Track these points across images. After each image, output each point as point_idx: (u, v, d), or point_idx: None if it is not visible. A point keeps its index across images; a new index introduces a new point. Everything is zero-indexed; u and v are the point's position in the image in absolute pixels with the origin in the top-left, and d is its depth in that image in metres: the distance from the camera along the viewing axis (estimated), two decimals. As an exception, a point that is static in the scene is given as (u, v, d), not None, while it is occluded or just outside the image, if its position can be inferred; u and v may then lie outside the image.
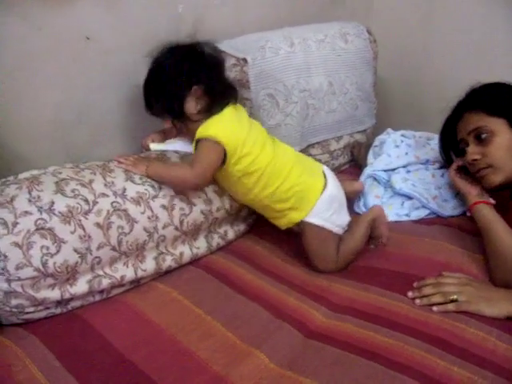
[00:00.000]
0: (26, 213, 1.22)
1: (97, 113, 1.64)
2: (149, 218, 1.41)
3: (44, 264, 1.22)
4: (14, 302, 1.22)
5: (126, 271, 1.39)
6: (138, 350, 1.20)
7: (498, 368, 1.13)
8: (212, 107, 1.47)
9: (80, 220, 1.29)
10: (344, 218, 1.58)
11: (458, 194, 1.78)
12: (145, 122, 1.71)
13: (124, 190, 1.39)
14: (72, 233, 1.27)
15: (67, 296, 1.29)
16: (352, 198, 1.82)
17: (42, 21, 1.43)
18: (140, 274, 1.42)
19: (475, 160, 1.56)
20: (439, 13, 2.44)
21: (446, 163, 1.83)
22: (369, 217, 1.60)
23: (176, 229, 1.48)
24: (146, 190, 1.43)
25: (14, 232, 1.20)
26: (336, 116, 2.10)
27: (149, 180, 1.45)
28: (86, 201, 1.31)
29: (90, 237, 1.30)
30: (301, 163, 1.57)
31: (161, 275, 1.49)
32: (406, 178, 1.87)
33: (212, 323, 1.29)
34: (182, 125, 1.52)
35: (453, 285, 1.35)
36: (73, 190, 1.31)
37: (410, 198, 1.83)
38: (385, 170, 1.94)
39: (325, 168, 1.62)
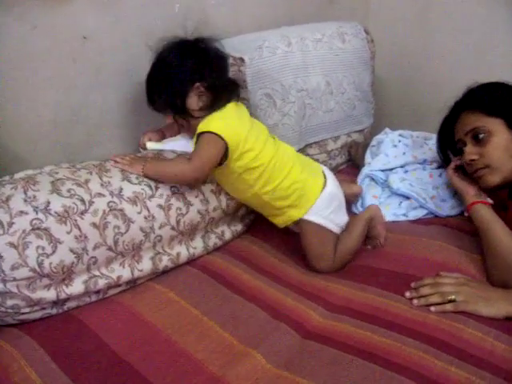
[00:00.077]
0: (22, 213, 1.22)
1: (94, 112, 1.64)
2: (145, 217, 1.40)
3: (40, 264, 1.22)
4: (9, 302, 1.21)
5: (122, 271, 1.39)
6: (134, 351, 1.19)
7: (495, 368, 1.13)
8: (214, 104, 1.47)
9: (76, 220, 1.28)
10: (342, 218, 1.58)
11: (456, 194, 1.77)
12: (143, 122, 1.71)
13: (120, 189, 1.39)
14: (68, 233, 1.26)
15: (63, 296, 1.28)
16: (351, 201, 1.82)
17: (39, 20, 1.42)
18: (136, 274, 1.41)
19: (473, 160, 1.55)
20: (437, 13, 2.44)
21: (443, 163, 1.83)
22: (365, 216, 1.60)
23: (173, 229, 1.47)
24: (143, 189, 1.42)
25: (9, 232, 1.19)
26: (333, 116, 2.09)
27: (145, 180, 1.44)
28: (82, 201, 1.31)
29: (86, 237, 1.29)
30: (301, 162, 1.58)
31: (157, 275, 1.49)
32: (404, 178, 1.87)
33: (209, 324, 1.29)
34: (184, 121, 1.51)
35: (450, 285, 1.35)
36: (69, 190, 1.30)
37: (407, 197, 1.83)
38: (382, 170, 1.94)
39: (324, 168, 1.62)
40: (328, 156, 2.13)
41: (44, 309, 1.28)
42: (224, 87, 1.49)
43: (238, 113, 1.51)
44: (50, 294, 1.26)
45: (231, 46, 1.73)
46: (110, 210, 1.34)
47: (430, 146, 1.99)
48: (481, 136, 1.53)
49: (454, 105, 1.67)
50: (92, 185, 1.35)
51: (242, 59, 1.75)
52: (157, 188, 1.45)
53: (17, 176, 1.33)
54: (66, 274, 1.28)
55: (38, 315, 1.28)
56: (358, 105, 2.19)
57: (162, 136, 1.66)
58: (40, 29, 1.43)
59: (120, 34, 1.62)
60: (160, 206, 1.44)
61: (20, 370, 1.12)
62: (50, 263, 1.23)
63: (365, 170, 1.95)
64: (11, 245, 1.19)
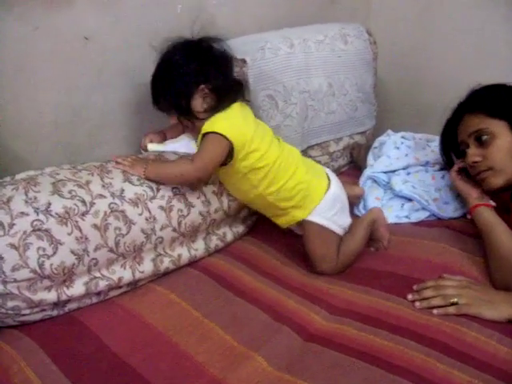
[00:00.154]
0: (23, 214, 1.21)
1: (96, 113, 1.64)
2: (146, 219, 1.40)
3: (40, 265, 1.21)
4: (10, 303, 1.21)
5: (123, 273, 1.38)
6: (135, 353, 1.19)
7: (498, 372, 1.12)
8: (219, 105, 1.46)
9: (77, 221, 1.28)
10: (345, 219, 1.58)
11: (459, 196, 1.77)
12: (145, 123, 1.71)
13: (122, 191, 1.38)
14: (69, 234, 1.26)
15: (64, 298, 1.28)
16: (353, 203, 1.81)
17: (41, 21, 1.42)
18: (137, 275, 1.41)
19: (476, 162, 1.55)
20: (439, 14, 2.44)
21: (446, 165, 1.82)
22: (368, 218, 1.59)
23: (174, 230, 1.47)
24: (144, 191, 1.42)
25: (10, 233, 1.19)
26: (336, 117, 2.09)
27: (147, 181, 1.44)
28: (83, 202, 1.30)
29: (86, 238, 1.29)
30: (305, 163, 1.58)
31: (158, 277, 1.48)
32: (406, 180, 1.87)
33: (210, 326, 1.28)
34: (189, 122, 1.51)
35: (453, 287, 1.34)
36: (70, 191, 1.30)
37: (409, 199, 1.82)
38: (385, 172, 1.93)
39: (328, 170, 1.62)
40: (330, 158, 2.13)
41: (45, 310, 1.28)
42: (229, 88, 1.49)
43: (242, 113, 1.51)
44: (51, 296, 1.26)
45: (233, 47, 1.71)
46: (111, 211, 1.34)
47: (432, 147, 1.99)
48: (484, 138, 1.53)
49: (457, 107, 1.67)
50: (93, 186, 1.35)
51: (243, 60, 1.75)
52: (158, 189, 1.44)
53: (18, 177, 1.33)
54: (67, 276, 1.27)
55: (38, 317, 1.27)
56: (360, 106, 2.18)
57: (163, 137, 1.65)
58: (42, 30, 1.42)
59: (122, 35, 1.62)
60: (161, 208, 1.43)
61: (20, 372, 1.11)
62: (51, 264, 1.23)
63: (367, 172, 1.94)
64: (12, 246, 1.18)
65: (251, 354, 1.19)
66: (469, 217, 1.63)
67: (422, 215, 1.79)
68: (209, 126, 1.43)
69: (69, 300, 1.30)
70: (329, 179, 1.56)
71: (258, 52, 1.79)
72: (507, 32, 2.23)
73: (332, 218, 1.52)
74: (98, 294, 1.36)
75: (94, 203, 1.32)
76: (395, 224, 1.75)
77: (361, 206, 1.84)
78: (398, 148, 2.01)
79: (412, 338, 1.22)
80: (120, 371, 1.14)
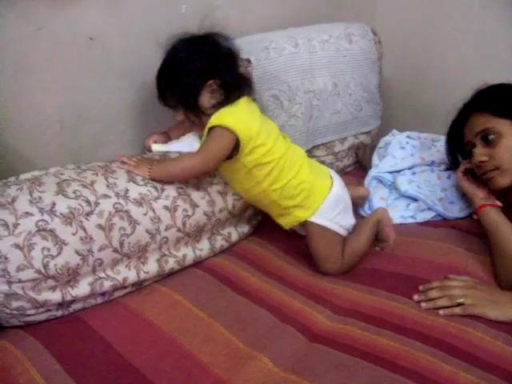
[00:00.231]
0: (27, 214, 1.21)
1: (101, 114, 1.63)
2: (151, 219, 1.40)
3: (45, 266, 1.21)
4: (14, 304, 1.21)
5: (128, 273, 1.38)
6: (139, 354, 1.18)
7: (504, 372, 1.12)
8: (226, 101, 1.46)
9: (81, 221, 1.28)
10: (349, 220, 1.57)
11: (464, 196, 1.76)
12: (150, 123, 1.71)
13: (126, 191, 1.38)
14: (73, 234, 1.26)
15: (68, 298, 1.28)
16: (358, 204, 1.81)
17: (45, 21, 1.42)
18: (142, 276, 1.41)
19: (482, 162, 1.54)
20: (444, 13, 2.43)
21: (452, 165, 1.82)
22: (373, 219, 1.59)
23: (179, 230, 1.47)
24: (149, 191, 1.41)
25: (14, 233, 1.19)
26: (340, 117, 2.08)
27: (151, 181, 1.44)
28: (88, 202, 1.30)
29: (91, 238, 1.29)
30: (309, 163, 1.57)
31: (163, 277, 1.48)
32: (412, 180, 1.86)
33: (215, 326, 1.28)
34: (196, 117, 1.50)
35: (459, 288, 1.34)
36: (74, 191, 1.30)
37: (415, 199, 1.82)
38: (390, 172, 1.93)
39: (331, 171, 1.61)
40: (335, 158, 2.12)
41: (49, 310, 1.28)
42: (236, 83, 1.48)
43: (249, 108, 1.50)
44: (56, 296, 1.26)
45: (237, 47, 1.72)
46: (116, 211, 1.34)
47: (437, 147, 1.98)
48: (490, 137, 1.52)
49: (463, 106, 1.66)
50: (98, 186, 1.35)
51: (248, 60, 1.75)
52: (163, 189, 1.44)
53: (22, 177, 1.33)
54: (72, 276, 1.27)
55: (43, 317, 1.27)
56: (365, 106, 2.18)
57: (167, 138, 1.66)
58: (46, 30, 1.42)
59: (126, 35, 1.61)
60: (166, 208, 1.43)
61: (25, 372, 1.11)
62: (56, 265, 1.23)
63: (372, 172, 1.94)
64: (16, 246, 1.18)
65: (256, 355, 1.19)
66: (475, 217, 1.63)
67: (427, 215, 1.79)
68: (215, 119, 1.42)
69: (73, 300, 1.30)
70: (332, 180, 1.56)
71: (262, 52, 1.79)
72: (510, 33, 2.22)
73: (334, 219, 1.52)
74: (103, 294, 1.36)
75: (99, 203, 1.32)
76: (400, 224, 1.75)
77: (366, 206, 1.84)
78: (403, 148, 2.00)
79: (417, 339, 1.22)
80: (124, 371, 1.14)
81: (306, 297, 1.42)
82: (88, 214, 1.29)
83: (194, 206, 1.50)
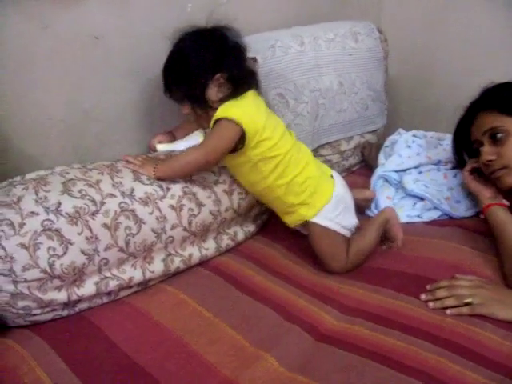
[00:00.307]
0: (33, 213, 1.21)
1: (106, 113, 1.63)
2: (157, 218, 1.39)
3: (51, 265, 1.21)
4: (20, 303, 1.21)
5: (133, 273, 1.38)
6: (145, 353, 1.18)
7: (513, 372, 1.11)
8: (234, 94, 1.45)
9: (87, 221, 1.27)
10: (350, 220, 1.57)
11: (471, 195, 1.75)
12: (156, 122, 1.71)
13: (132, 190, 1.38)
14: (79, 234, 1.26)
15: (74, 298, 1.28)
16: (362, 206, 1.80)
17: (51, 20, 1.42)
18: (148, 275, 1.40)
19: (490, 161, 1.53)
20: (450, 12, 2.42)
21: (458, 164, 1.81)
22: (380, 218, 1.58)
23: (184, 230, 1.46)
24: (154, 190, 1.41)
25: (20, 233, 1.18)
26: (346, 116, 2.08)
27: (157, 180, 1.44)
28: (94, 201, 1.30)
29: (97, 238, 1.29)
30: (315, 161, 1.58)
31: (169, 277, 1.48)
32: (418, 179, 1.85)
33: (221, 326, 1.28)
34: (202, 111, 1.49)
35: (466, 287, 1.33)
36: (80, 191, 1.30)
37: (421, 199, 1.81)
38: (396, 171, 1.92)
39: (333, 171, 1.62)
40: (341, 157, 2.12)
41: (55, 310, 1.28)
42: (243, 77, 1.48)
43: (255, 102, 1.50)
44: (61, 296, 1.26)
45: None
46: (122, 210, 1.33)
47: (444, 146, 1.97)
48: (499, 136, 1.51)
49: (470, 105, 1.65)
50: (103, 185, 1.34)
51: (254, 59, 1.74)
52: (168, 188, 1.44)
53: (28, 176, 1.33)
54: (77, 276, 1.27)
55: (49, 316, 1.27)
56: (371, 105, 2.17)
57: (172, 137, 1.65)
58: (51, 29, 1.42)
59: (132, 34, 1.61)
60: (172, 207, 1.43)
61: (30, 372, 1.11)
62: (61, 264, 1.23)
63: (378, 171, 1.93)
64: (22, 246, 1.18)
65: (262, 355, 1.18)
66: (482, 216, 1.62)
67: (434, 214, 1.78)
68: (221, 112, 1.42)
69: (79, 300, 1.30)
70: (333, 180, 1.56)
71: (268, 50, 1.79)
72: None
73: (335, 219, 1.51)
74: (109, 293, 1.36)
75: (105, 202, 1.31)
76: (407, 223, 1.73)
77: (372, 205, 1.83)
78: (409, 147, 1.99)
79: (424, 339, 1.21)
80: (130, 371, 1.13)
81: (312, 296, 1.41)
82: (94, 214, 1.29)
83: (200, 205, 1.49)
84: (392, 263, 1.52)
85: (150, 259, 1.42)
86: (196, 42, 1.45)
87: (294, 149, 1.50)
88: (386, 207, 1.66)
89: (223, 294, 1.41)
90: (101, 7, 1.51)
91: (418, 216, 1.78)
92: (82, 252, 1.26)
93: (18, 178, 1.31)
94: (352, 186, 1.68)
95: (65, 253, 1.23)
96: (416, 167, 1.92)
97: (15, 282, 1.18)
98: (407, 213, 1.78)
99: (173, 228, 1.43)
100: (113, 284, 1.34)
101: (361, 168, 2.22)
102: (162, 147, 1.61)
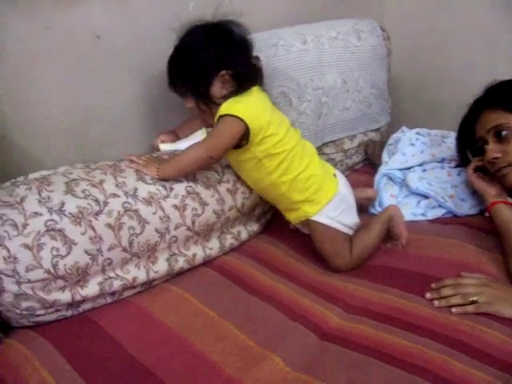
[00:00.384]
0: (36, 214, 1.21)
1: (109, 112, 1.63)
2: (160, 218, 1.39)
3: (54, 266, 1.21)
4: (24, 304, 1.21)
5: (137, 273, 1.38)
6: (149, 353, 1.18)
7: (519, 371, 1.10)
8: (238, 91, 1.44)
9: (91, 221, 1.27)
10: (352, 219, 1.56)
11: (475, 193, 1.74)
12: (159, 122, 1.71)
13: (135, 190, 1.38)
14: (82, 234, 1.25)
15: (78, 298, 1.28)
16: (365, 205, 1.80)
17: (52, 20, 1.42)
18: (152, 275, 1.40)
19: (495, 158, 1.52)
20: (453, 10, 2.41)
21: (462, 162, 1.80)
22: (384, 216, 1.58)
23: (188, 229, 1.46)
24: (158, 190, 1.41)
25: (23, 233, 1.18)
26: (350, 114, 2.07)
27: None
28: (97, 201, 1.30)
29: (100, 238, 1.28)
30: (319, 159, 1.57)
31: (173, 277, 1.48)
32: (422, 177, 1.84)
33: (225, 325, 1.28)
34: (206, 107, 1.48)
35: (472, 286, 1.32)
36: (83, 191, 1.30)
37: (425, 197, 1.80)
38: (400, 169, 1.91)
39: (335, 170, 1.61)
40: (344, 155, 2.11)
41: (59, 311, 1.28)
42: (248, 74, 1.47)
43: (260, 98, 1.49)
44: (65, 296, 1.26)
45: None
46: (125, 210, 1.33)
47: (448, 144, 1.96)
48: (504, 133, 1.50)
49: (474, 103, 1.64)
50: (107, 185, 1.34)
51: (257, 57, 1.73)
52: (172, 188, 1.44)
53: (31, 176, 1.33)
54: (81, 276, 1.27)
55: (52, 317, 1.27)
56: (374, 103, 2.16)
57: (175, 137, 1.65)
58: (53, 29, 1.42)
59: (134, 33, 1.61)
60: (175, 207, 1.42)
61: (35, 372, 1.11)
62: (65, 265, 1.23)
63: (382, 169, 1.92)
64: (26, 246, 1.18)
65: (267, 354, 1.18)
66: (486, 214, 1.61)
67: (438, 212, 1.77)
68: (225, 108, 1.41)
69: (83, 300, 1.30)
70: (336, 179, 1.56)
71: (271, 49, 1.78)
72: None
73: (336, 218, 1.51)
74: (113, 294, 1.36)
75: (108, 202, 1.31)
76: (411, 221, 1.73)
77: (376, 203, 1.82)
78: (413, 145, 1.99)
79: (430, 337, 1.20)
80: (134, 371, 1.13)
81: (316, 295, 1.41)
82: (97, 214, 1.29)
83: (204, 204, 1.49)
84: (397, 262, 1.52)
85: (154, 259, 1.41)
86: (202, 36, 1.44)
87: (298, 146, 1.50)
88: (390, 205, 1.66)
89: (227, 293, 1.41)
90: (102, 6, 1.51)
91: (423, 214, 1.77)
92: (86, 252, 1.26)
93: (20, 178, 1.32)
94: (355, 184, 1.68)
95: (68, 253, 1.23)
96: (420, 165, 1.91)
97: (19, 283, 1.18)
98: (411, 211, 1.78)
99: (176, 228, 1.43)
100: (117, 284, 1.33)
101: (364, 166, 2.22)
102: (165, 147, 1.61)
